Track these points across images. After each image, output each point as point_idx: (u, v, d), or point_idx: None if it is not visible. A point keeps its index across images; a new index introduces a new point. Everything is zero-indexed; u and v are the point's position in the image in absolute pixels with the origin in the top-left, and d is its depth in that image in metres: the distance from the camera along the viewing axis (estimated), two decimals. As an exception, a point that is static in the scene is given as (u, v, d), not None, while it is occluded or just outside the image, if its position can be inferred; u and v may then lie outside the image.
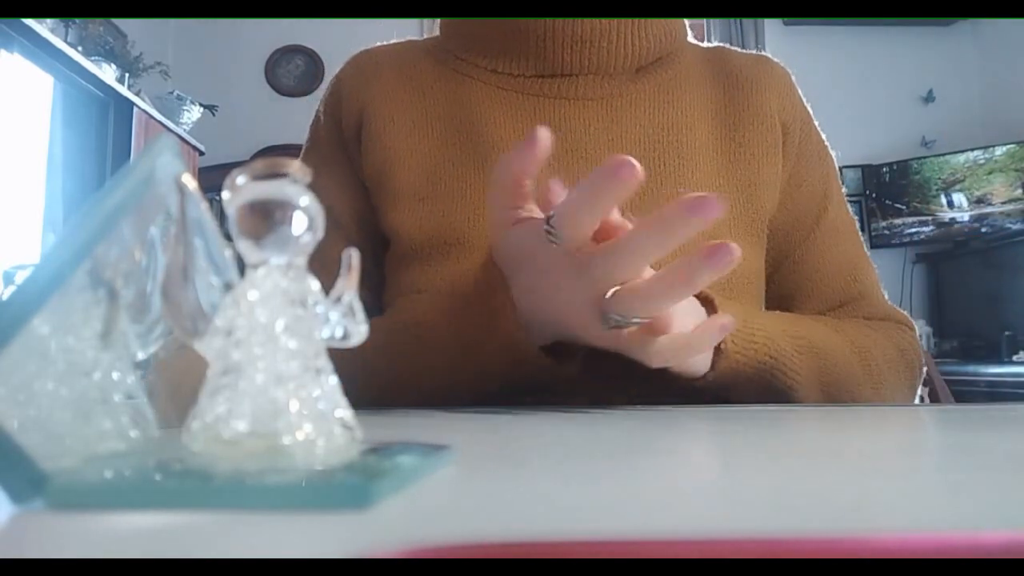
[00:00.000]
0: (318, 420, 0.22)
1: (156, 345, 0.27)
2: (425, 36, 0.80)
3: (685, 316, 0.48)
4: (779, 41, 3.81)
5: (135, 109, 2.87)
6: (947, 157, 3.68)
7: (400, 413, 0.49)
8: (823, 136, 0.77)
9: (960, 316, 3.65)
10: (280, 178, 0.23)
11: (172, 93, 3.22)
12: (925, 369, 0.75)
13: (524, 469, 0.26)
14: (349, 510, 0.18)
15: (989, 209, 3.56)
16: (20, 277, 2.04)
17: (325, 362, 0.23)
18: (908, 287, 3.74)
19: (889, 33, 3.88)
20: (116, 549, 0.16)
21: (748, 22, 3.88)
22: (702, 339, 0.47)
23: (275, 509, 0.19)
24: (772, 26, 3.92)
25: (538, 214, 0.49)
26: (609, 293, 0.45)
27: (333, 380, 0.23)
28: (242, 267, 0.24)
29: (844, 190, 0.77)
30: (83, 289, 0.24)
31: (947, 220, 3.67)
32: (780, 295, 0.73)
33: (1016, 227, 3.46)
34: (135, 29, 3.26)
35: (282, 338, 0.23)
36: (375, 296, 0.70)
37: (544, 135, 0.46)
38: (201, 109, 3.31)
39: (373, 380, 0.56)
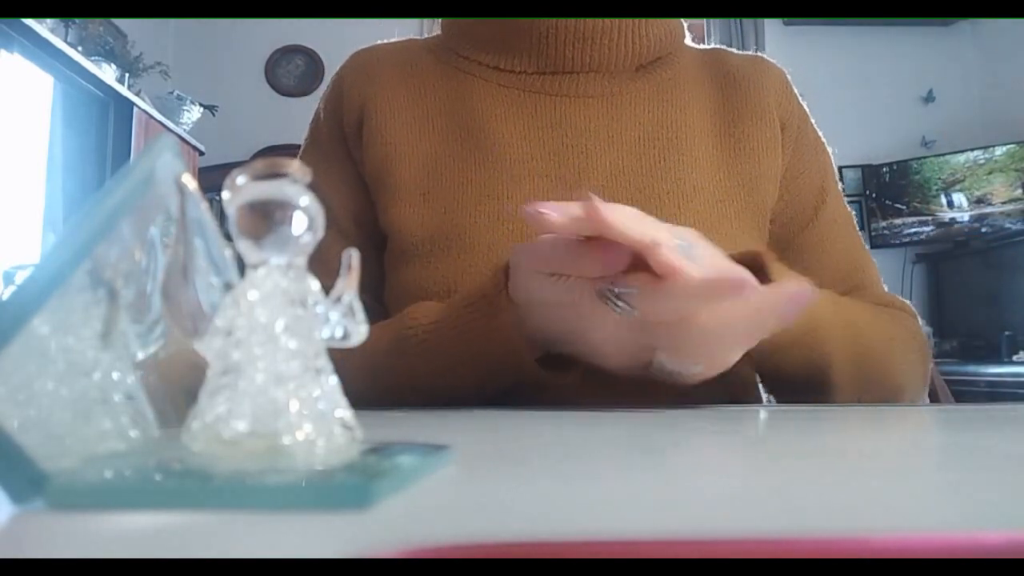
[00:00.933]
0: (318, 420, 0.22)
1: (156, 345, 0.27)
2: (425, 36, 0.81)
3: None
4: (779, 41, 3.81)
5: (135, 109, 2.87)
6: (947, 157, 3.68)
7: (400, 413, 0.49)
8: (819, 133, 0.77)
9: (960, 316, 3.65)
10: (280, 178, 0.23)
11: (172, 93, 3.22)
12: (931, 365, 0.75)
13: (524, 469, 0.26)
14: (349, 510, 0.18)
15: (989, 209, 3.56)
16: (20, 277, 2.05)
17: (325, 362, 0.23)
18: (908, 287, 3.74)
19: (889, 33, 3.88)
20: (116, 549, 0.16)
21: (748, 22, 3.88)
22: (777, 307, 0.45)
23: (275, 509, 0.19)
24: (772, 26, 3.92)
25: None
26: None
27: (333, 380, 0.23)
28: (242, 267, 0.24)
29: (844, 190, 0.78)
30: (83, 289, 0.24)
31: (947, 220, 3.67)
32: None
33: (1016, 227, 3.46)
34: (135, 29, 3.26)
35: (282, 338, 0.23)
36: (374, 296, 0.70)
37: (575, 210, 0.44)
38: (201, 109, 3.31)
39: (379, 381, 0.56)
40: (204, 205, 0.26)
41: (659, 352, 0.47)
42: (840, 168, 0.79)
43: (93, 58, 2.73)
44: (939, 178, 3.68)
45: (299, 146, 0.78)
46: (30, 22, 2.29)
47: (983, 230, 3.57)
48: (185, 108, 3.24)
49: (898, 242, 3.78)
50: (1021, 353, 3.12)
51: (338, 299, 0.24)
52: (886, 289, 0.76)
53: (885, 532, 0.16)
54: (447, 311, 0.56)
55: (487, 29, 0.72)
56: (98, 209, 0.24)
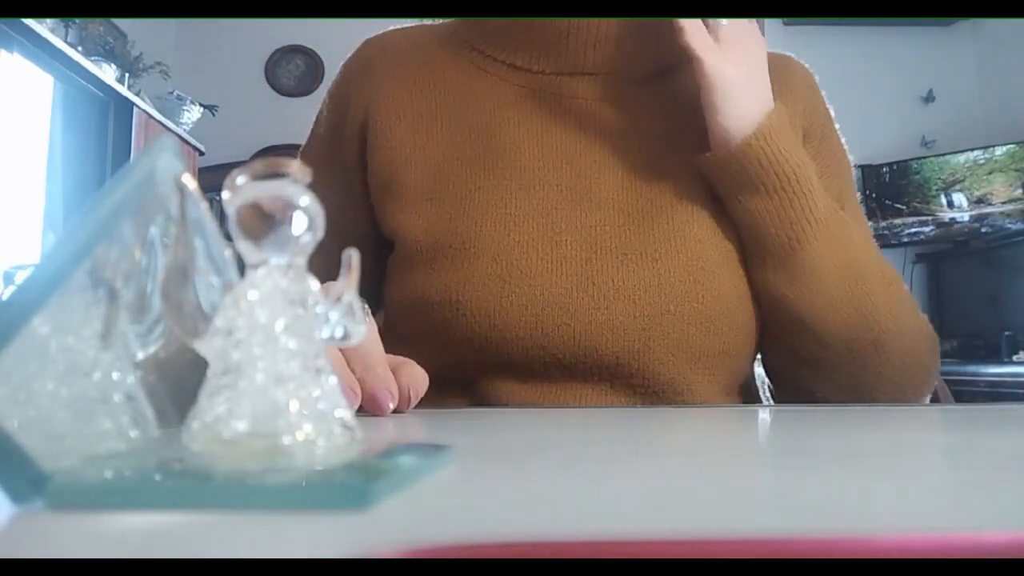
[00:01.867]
0: (318, 420, 0.22)
1: (156, 345, 0.27)
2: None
3: None
4: (779, 41, 3.80)
5: (135, 109, 2.87)
6: (947, 157, 3.67)
7: (400, 413, 0.49)
8: (843, 141, 0.76)
9: (960, 316, 3.65)
10: (280, 178, 0.23)
11: (172, 93, 3.22)
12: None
13: (524, 469, 0.26)
14: (349, 510, 0.18)
15: (989, 209, 3.56)
16: (20, 277, 2.04)
17: (325, 362, 0.23)
18: (908, 287, 3.74)
19: (889, 33, 3.87)
20: (116, 549, 0.16)
21: (748, 22, 3.87)
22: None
23: (275, 509, 0.19)
24: (772, 26, 3.91)
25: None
26: None
27: (333, 380, 0.23)
28: (242, 267, 0.24)
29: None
30: (83, 289, 0.24)
31: (947, 220, 3.67)
32: None
33: (1016, 227, 3.46)
34: (135, 29, 3.26)
35: (282, 338, 0.23)
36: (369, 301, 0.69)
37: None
38: (201, 109, 3.31)
39: None
40: (204, 205, 0.26)
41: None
42: (840, 168, 0.78)
43: (93, 58, 2.73)
44: (939, 178, 3.67)
45: (299, 146, 0.77)
46: (30, 22, 2.29)
47: (983, 230, 3.57)
48: (185, 108, 3.24)
49: (898, 242, 3.77)
50: (1021, 353, 3.12)
51: (338, 299, 0.24)
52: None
53: (885, 532, 0.16)
54: None
55: (506, 23, 0.69)
56: (98, 209, 0.24)
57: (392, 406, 0.45)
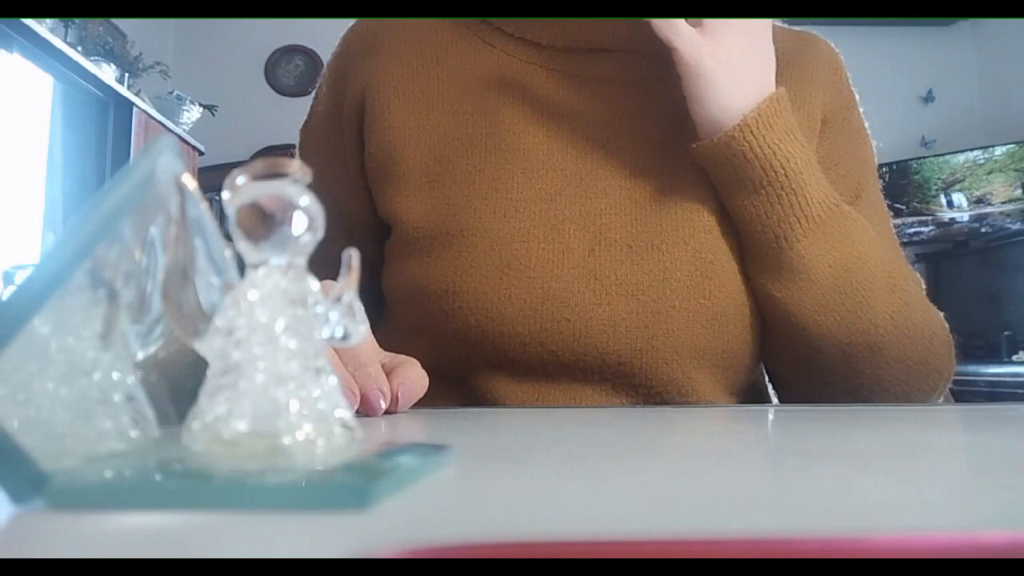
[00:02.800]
0: (318, 420, 0.22)
1: (156, 345, 0.27)
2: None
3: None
4: (779, 41, 3.81)
5: (135, 109, 2.87)
6: (947, 157, 3.67)
7: (400, 413, 0.49)
8: (866, 125, 0.71)
9: (960, 316, 3.63)
10: (280, 178, 0.23)
11: (172, 93, 3.22)
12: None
13: (524, 469, 0.26)
14: (349, 510, 0.18)
15: (989, 209, 3.56)
16: (20, 277, 2.04)
17: (325, 362, 0.23)
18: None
19: (889, 33, 3.87)
20: (116, 549, 0.16)
21: (748, 22, 3.87)
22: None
23: (275, 509, 0.19)
24: (772, 26, 3.91)
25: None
26: None
27: (333, 380, 0.23)
28: (242, 267, 0.24)
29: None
30: (83, 289, 0.24)
31: (947, 220, 3.67)
32: None
33: (1016, 227, 3.46)
34: (135, 29, 3.26)
35: (282, 338, 0.23)
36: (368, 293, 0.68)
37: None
38: (201, 109, 3.31)
39: None
40: (204, 205, 0.26)
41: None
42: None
43: (93, 58, 2.72)
44: (939, 178, 3.67)
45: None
46: (30, 22, 2.28)
47: (983, 230, 3.57)
48: (185, 108, 3.24)
49: (898, 242, 3.77)
50: (1021, 353, 3.12)
51: (338, 299, 0.24)
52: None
53: (885, 532, 0.16)
54: None
55: None
56: (98, 209, 0.24)
57: (384, 406, 0.44)
